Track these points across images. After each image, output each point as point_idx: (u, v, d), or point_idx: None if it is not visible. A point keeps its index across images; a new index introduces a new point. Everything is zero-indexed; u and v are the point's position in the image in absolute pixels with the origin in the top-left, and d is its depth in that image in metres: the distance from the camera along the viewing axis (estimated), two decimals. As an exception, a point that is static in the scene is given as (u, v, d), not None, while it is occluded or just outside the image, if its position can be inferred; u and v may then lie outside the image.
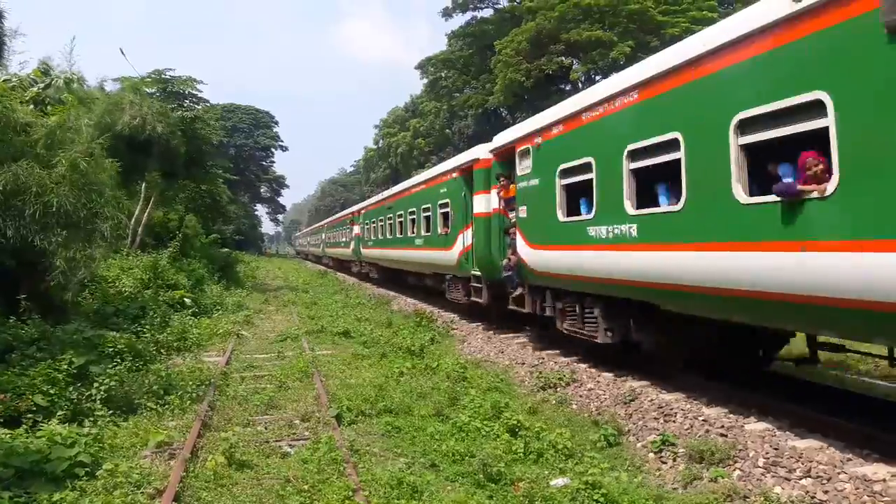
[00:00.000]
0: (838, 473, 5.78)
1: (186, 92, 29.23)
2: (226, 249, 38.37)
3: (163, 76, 28.45)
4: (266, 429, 8.25)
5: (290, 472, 6.47)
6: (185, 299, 18.68)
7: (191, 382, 9.88)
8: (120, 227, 13.05)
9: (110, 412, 8.33)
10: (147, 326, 13.66)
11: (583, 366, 11.06)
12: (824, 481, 5.75)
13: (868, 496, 5.37)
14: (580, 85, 42.00)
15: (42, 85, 19.65)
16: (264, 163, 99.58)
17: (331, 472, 6.43)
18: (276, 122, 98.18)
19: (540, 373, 10.81)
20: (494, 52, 48.68)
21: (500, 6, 56.46)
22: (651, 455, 7.30)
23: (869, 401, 8.36)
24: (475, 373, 10.98)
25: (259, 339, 15.77)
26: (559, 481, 6.28)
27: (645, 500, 5.96)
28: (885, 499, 5.29)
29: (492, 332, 15.61)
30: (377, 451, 7.30)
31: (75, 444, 6.57)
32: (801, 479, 5.90)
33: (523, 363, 12.01)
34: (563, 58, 45.41)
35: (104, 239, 12.49)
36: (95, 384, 8.76)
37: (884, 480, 5.51)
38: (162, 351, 12.68)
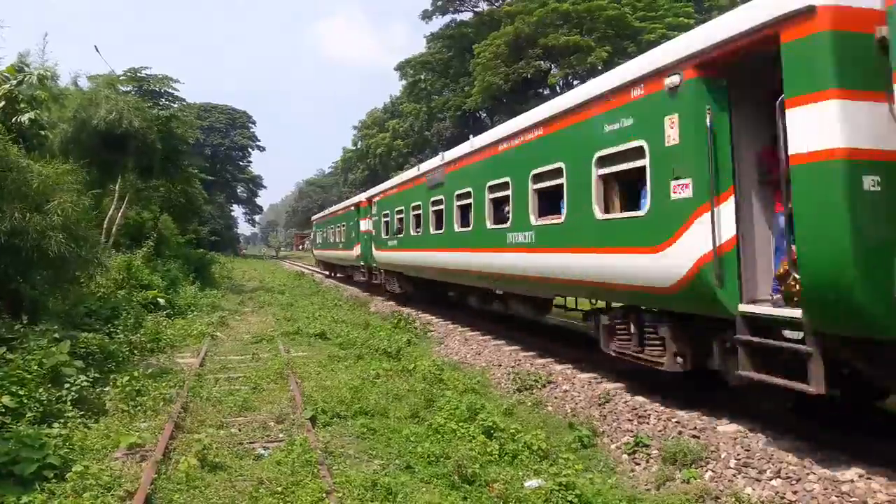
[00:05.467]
0: (807, 474, 5.87)
1: (162, 90, 28.93)
2: (201, 250, 38.05)
3: (138, 74, 28.11)
4: (240, 430, 8.17)
5: (263, 474, 6.42)
6: (159, 300, 18.46)
7: (163, 384, 9.78)
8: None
9: (81, 414, 8.22)
10: (120, 327, 13.46)
11: (559, 367, 11.10)
12: (794, 482, 5.84)
13: (836, 496, 5.47)
14: (558, 89, 42.29)
15: (15, 82, 19.28)
16: (241, 163, 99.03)
17: (304, 473, 6.39)
18: (254, 122, 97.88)
19: (516, 374, 10.84)
20: (473, 54, 48.85)
21: (479, 10, 56.75)
22: (625, 456, 7.36)
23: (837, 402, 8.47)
24: (452, 375, 10.97)
25: (234, 340, 15.62)
26: (533, 482, 6.30)
27: (618, 501, 6.03)
28: (853, 499, 5.39)
29: (469, 334, 15.61)
30: (352, 453, 7.27)
31: (44, 446, 6.48)
32: (771, 479, 5.99)
33: (500, 365, 12.03)
34: (542, 62, 45.73)
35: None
36: (66, 385, 8.63)
37: (851, 481, 5.61)
38: (135, 352, 12.51)
